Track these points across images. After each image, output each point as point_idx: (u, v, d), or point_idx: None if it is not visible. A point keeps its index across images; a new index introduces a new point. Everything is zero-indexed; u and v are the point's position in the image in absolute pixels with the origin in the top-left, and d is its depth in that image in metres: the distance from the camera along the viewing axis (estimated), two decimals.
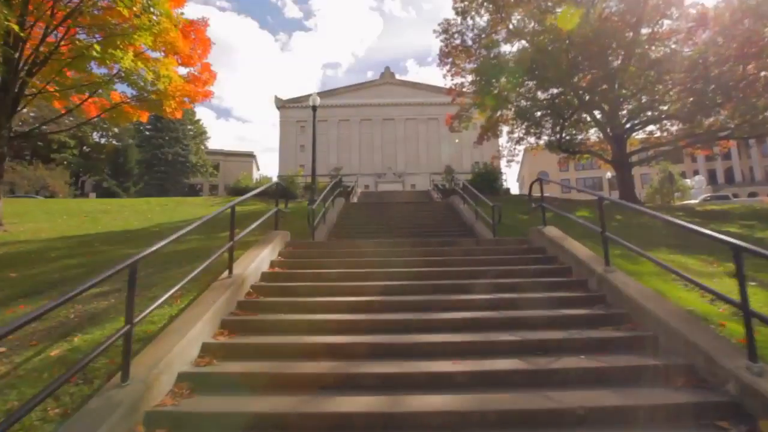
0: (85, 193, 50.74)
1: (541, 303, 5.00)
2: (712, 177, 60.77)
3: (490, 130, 25.86)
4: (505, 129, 26.70)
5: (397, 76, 57.95)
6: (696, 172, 58.86)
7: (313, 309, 5.01)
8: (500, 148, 28.03)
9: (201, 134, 63.25)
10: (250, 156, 69.59)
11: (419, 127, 54.86)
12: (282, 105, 56.13)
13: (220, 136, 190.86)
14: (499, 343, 4.06)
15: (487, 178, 25.04)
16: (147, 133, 54.65)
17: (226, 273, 5.36)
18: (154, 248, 3.61)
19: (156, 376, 3.31)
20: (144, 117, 18.64)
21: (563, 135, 24.34)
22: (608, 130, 23.11)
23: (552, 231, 7.23)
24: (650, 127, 24.92)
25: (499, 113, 24.68)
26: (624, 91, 20.27)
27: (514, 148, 26.50)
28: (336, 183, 17.98)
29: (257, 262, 5.97)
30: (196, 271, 4.56)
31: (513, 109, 24.84)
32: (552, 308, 4.85)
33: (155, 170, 52.25)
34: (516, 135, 26.04)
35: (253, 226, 6.56)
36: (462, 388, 3.47)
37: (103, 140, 57.71)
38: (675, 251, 9.27)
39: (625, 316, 4.52)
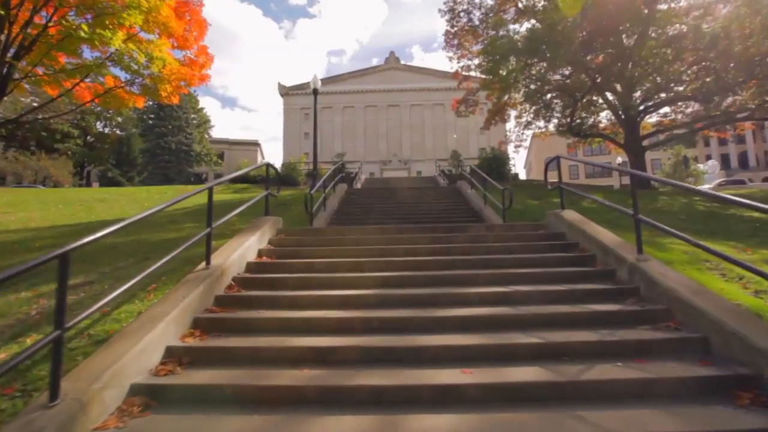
0: (90, 183, 50.41)
1: (564, 297, 4.32)
2: (725, 161, 59.18)
3: (497, 115, 25.13)
4: (513, 113, 25.93)
5: (403, 62, 56.83)
6: (708, 157, 57.34)
7: (301, 304, 4.38)
8: (507, 133, 27.34)
9: (204, 123, 62.71)
10: (254, 144, 68.90)
11: (425, 113, 53.82)
12: (285, 92, 55.26)
13: (225, 126, 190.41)
14: (517, 347, 3.39)
15: (495, 164, 24.08)
16: (150, 122, 54.04)
17: (203, 264, 4.73)
18: (88, 239, 2.96)
19: (97, 392, 2.69)
20: (140, 102, 18.21)
21: (574, 118, 23.54)
22: (621, 112, 22.33)
23: (572, 215, 6.51)
24: (665, 110, 24.06)
25: (507, 96, 23.84)
26: (638, 69, 19.28)
27: (522, 133, 25.88)
28: (338, 168, 17.29)
29: (241, 251, 5.33)
30: (156, 265, 3.91)
31: (522, 91, 24.02)
32: (576, 303, 4.17)
33: (159, 159, 51.66)
34: (524, 119, 25.33)
35: (237, 211, 5.90)
36: (474, 405, 2.81)
37: (106, 130, 57.44)
38: (701, 237, 8.71)
39: (666, 313, 3.83)
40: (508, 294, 4.36)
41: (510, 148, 27.12)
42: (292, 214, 12.72)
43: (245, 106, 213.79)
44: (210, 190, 4.73)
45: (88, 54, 15.56)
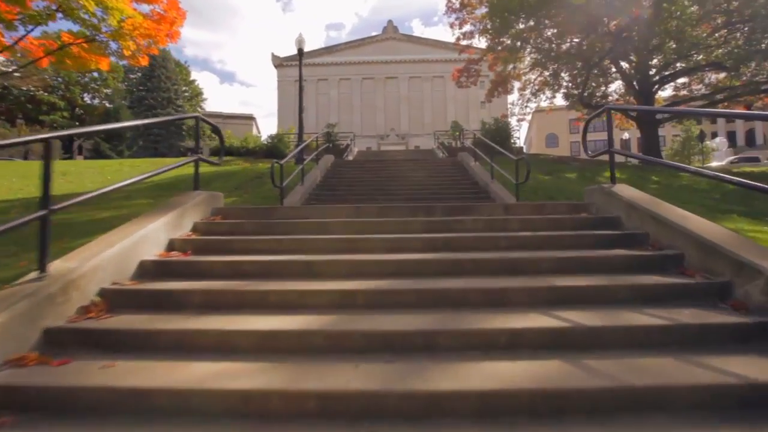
0: (73, 157, 48.29)
1: (662, 339, 2.39)
2: (731, 139, 56.98)
3: (500, 86, 23.56)
4: (516, 85, 24.18)
5: (401, 33, 53.91)
6: (715, 134, 55.15)
7: (192, 347, 2.44)
8: (510, 106, 25.81)
9: (197, 96, 60.49)
10: (250, 119, 66.74)
11: (424, 86, 51.29)
12: (279, 63, 52.64)
13: (224, 101, 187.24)
14: None
15: (499, 135, 21.78)
16: (139, 94, 51.66)
17: (34, 272, 2.78)
18: None
19: None
20: (103, 64, 16.59)
21: (585, 87, 21.54)
22: (635, 82, 20.48)
23: (630, 191, 4.48)
24: (682, 80, 22.12)
25: (511, 66, 21.94)
26: (659, 27, 17.07)
27: (526, 106, 24.52)
28: (324, 137, 15.30)
29: (130, 242, 3.36)
30: None
31: (528, 59, 22.06)
32: (691, 353, 2.24)
33: (148, 133, 49.28)
34: (528, 91, 23.50)
35: (135, 180, 3.91)
36: None
37: (95, 102, 55.61)
38: (756, 222, 7.26)
39: None
40: (564, 332, 2.41)
41: (513, 121, 25.45)
42: (264, 189, 10.97)
43: (244, 81, 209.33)
44: (47, 145, 2.76)
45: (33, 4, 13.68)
